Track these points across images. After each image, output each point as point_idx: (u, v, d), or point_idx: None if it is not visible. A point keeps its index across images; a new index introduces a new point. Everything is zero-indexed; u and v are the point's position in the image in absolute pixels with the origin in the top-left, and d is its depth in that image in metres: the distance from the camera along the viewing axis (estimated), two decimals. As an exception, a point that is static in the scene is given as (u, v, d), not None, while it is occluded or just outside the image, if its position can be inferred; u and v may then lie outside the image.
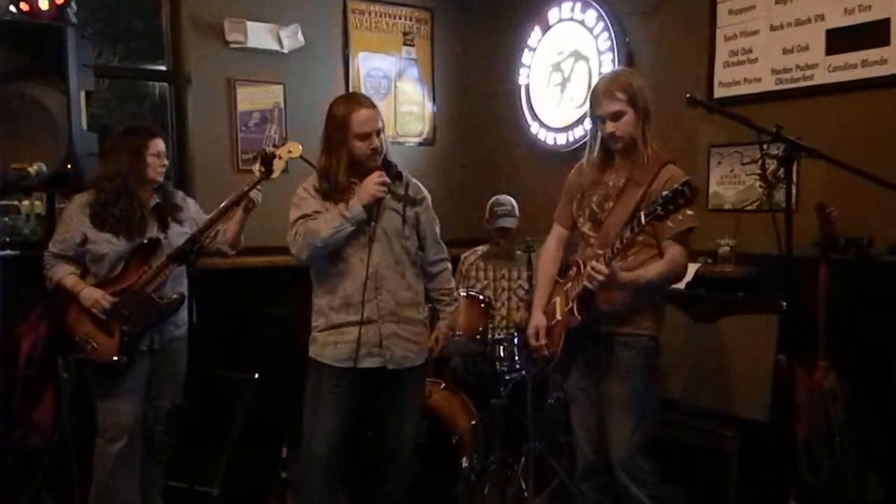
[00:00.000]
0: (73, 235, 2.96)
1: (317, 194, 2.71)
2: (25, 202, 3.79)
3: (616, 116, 2.51)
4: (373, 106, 2.67)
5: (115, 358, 2.92)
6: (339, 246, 2.65)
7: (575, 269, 2.62)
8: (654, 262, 2.50)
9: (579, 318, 2.54)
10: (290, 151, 3.07)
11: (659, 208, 2.23)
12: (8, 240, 3.73)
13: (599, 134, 2.60)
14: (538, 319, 2.73)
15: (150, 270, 2.95)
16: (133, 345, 2.95)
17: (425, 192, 2.85)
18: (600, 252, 2.46)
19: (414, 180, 2.84)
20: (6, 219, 3.90)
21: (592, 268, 2.39)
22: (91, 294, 2.92)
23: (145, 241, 3.00)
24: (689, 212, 2.37)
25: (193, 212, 3.25)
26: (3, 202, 3.81)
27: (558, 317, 2.66)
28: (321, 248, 2.62)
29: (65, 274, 2.96)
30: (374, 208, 2.64)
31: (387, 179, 2.64)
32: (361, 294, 2.64)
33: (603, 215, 2.58)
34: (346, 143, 2.63)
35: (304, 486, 2.76)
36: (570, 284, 2.62)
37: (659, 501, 2.56)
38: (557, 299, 2.70)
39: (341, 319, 2.69)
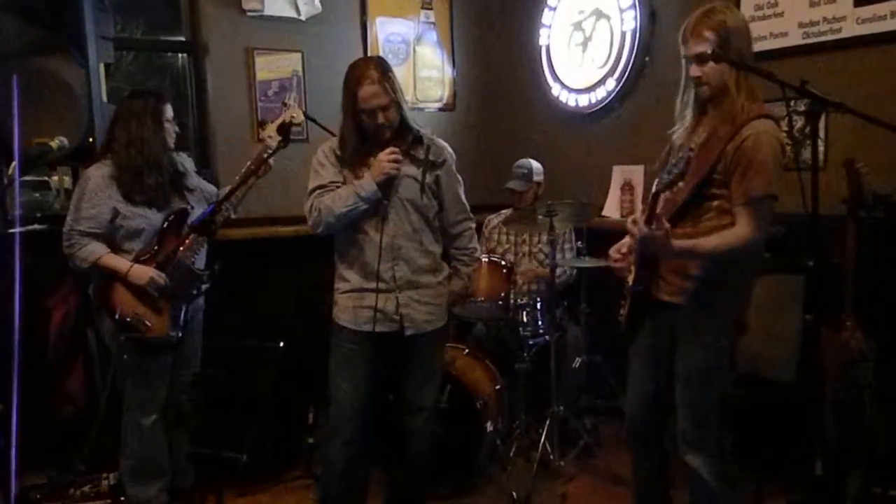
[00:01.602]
0: (103, 211, 2.87)
1: (336, 161, 2.69)
2: (55, 177, 3.81)
3: (702, 59, 2.26)
4: (381, 80, 2.54)
5: (172, 334, 2.92)
6: (356, 218, 2.64)
7: None
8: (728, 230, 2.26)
9: (631, 284, 2.42)
10: (293, 117, 3.00)
11: (665, 175, 2.11)
12: (39, 215, 3.78)
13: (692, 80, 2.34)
14: (622, 242, 2.53)
15: (188, 242, 2.91)
16: (180, 319, 2.96)
17: (447, 154, 2.77)
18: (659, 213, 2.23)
19: (438, 141, 2.77)
20: (37, 194, 3.94)
21: (632, 220, 2.24)
22: (144, 272, 2.87)
23: (176, 212, 2.98)
24: (763, 177, 2.18)
25: (196, 177, 3.22)
26: (33, 178, 3.84)
27: (629, 280, 2.48)
28: (334, 223, 2.63)
29: (102, 252, 2.88)
30: (390, 184, 2.60)
31: (399, 156, 2.59)
32: (377, 264, 2.64)
33: None
34: (355, 115, 2.60)
35: (328, 445, 2.81)
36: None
37: (725, 480, 2.40)
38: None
39: (360, 285, 2.71)
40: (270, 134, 3.00)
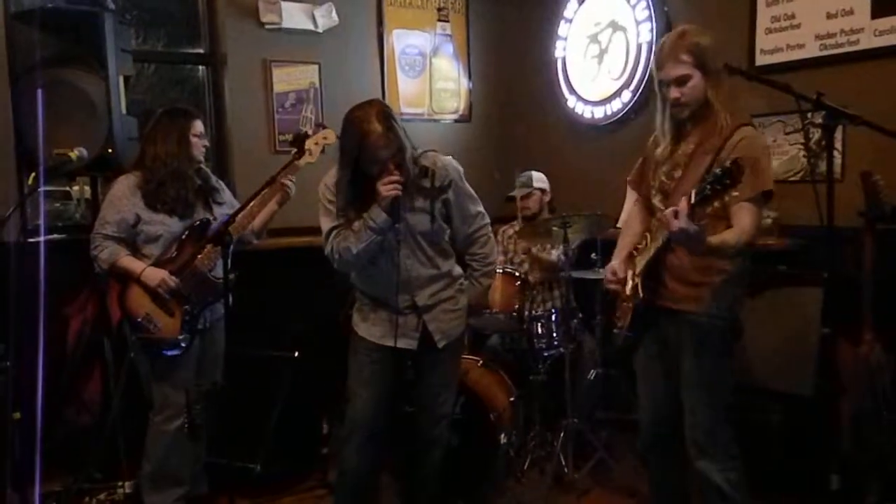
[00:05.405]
0: (126, 217, 3.00)
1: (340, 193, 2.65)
2: (76, 187, 3.86)
3: (681, 81, 2.31)
4: (385, 132, 2.46)
5: (180, 337, 3.01)
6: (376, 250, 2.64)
7: (643, 242, 2.49)
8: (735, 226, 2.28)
9: (641, 295, 2.42)
10: (325, 138, 3.13)
11: (707, 188, 2.03)
12: (60, 224, 3.83)
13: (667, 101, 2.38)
14: (614, 263, 2.58)
15: (207, 251, 3.01)
16: (193, 324, 3.05)
17: (453, 174, 2.68)
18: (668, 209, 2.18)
19: (441, 162, 2.68)
20: (58, 204, 3.98)
21: (673, 212, 2.09)
22: (156, 274, 2.98)
23: (198, 222, 3.08)
24: (763, 174, 2.22)
25: (228, 194, 3.34)
26: (55, 188, 3.88)
27: (627, 291, 2.52)
28: (356, 261, 2.65)
29: (121, 255, 3.01)
30: (397, 208, 2.54)
31: (397, 177, 2.50)
32: (396, 296, 2.67)
33: (671, 185, 2.40)
34: (359, 163, 2.54)
35: (342, 450, 2.83)
36: (639, 258, 2.49)
37: (733, 483, 2.40)
38: (630, 273, 2.53)
39: (379, 305, 2.76)
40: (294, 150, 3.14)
